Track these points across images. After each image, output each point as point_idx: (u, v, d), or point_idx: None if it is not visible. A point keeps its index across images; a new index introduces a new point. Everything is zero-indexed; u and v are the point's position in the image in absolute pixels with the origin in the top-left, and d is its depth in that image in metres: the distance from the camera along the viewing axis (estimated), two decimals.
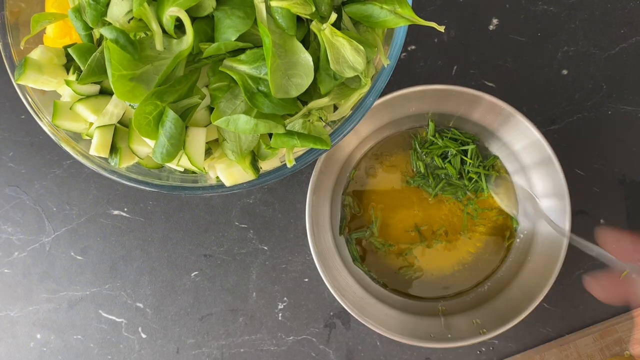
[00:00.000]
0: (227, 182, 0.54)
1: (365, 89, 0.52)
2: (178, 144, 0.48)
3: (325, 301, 0.71)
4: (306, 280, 0.72)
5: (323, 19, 0.49)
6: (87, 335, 0.72)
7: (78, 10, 0.50)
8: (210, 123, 0.51)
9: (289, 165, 0.52)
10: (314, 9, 0.47)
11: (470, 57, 0.71)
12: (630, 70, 0.71)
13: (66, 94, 0.54)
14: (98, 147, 0.52)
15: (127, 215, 0.73)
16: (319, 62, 0.49)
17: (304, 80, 0.48)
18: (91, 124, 0.53)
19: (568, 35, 0.72)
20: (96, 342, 0.72)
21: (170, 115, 0.47)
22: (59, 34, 0.55)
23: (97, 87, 0.53)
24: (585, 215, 0.71)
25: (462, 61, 0.72)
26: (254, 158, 0.53)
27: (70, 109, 0.52)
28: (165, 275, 0.73)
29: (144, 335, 0.72)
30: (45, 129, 0.56)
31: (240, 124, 0.47)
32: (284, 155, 0.55)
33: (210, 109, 0.52)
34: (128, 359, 0.72)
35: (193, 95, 0.50)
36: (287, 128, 0.50)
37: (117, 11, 0.48)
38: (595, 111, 0.71)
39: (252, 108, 0.49)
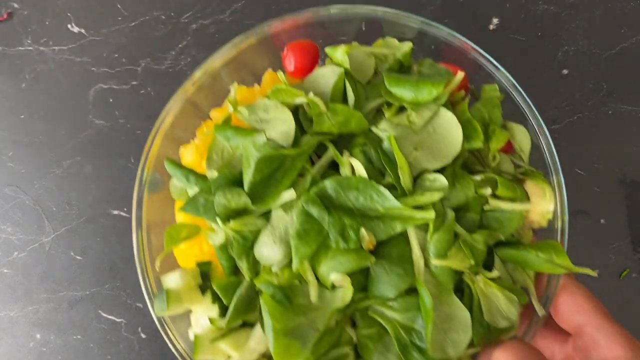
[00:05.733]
0: None
1: (512, 333, 0.49)
2: None
3: None
4: None
5: (477, 267, 0.48)
6: (87, 335, 0.72)
7: (224, 246, 0.49)
8: None
9: None
10: (473, 262, 0.46)
11: None
12: (631, 70, 0.71)
13: (202, 322, 0.52)
14: None
15: (127, 215, 0.73)
16: (472, 312, 0.47)
17: (462, 337, 0.45)
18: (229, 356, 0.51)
19: (568, 35, 0.72)
20: (96, 342, 0.72)
21: None
22: (189, 243, 0.53)
23: (239, 321, 0.51)
24: (585, 215, 0.71)
25: None
26: None
27: (211, 342, 0.50)
28: None
29: (143, 336, 0.72)
30: (172, 346, 0.53)
31: None
32: None
33: (355, 348, 0.49)
34: (128, 359, 0.72)
35: (341, 341, 0.47)
36: None
37: (268, 254, 0.47)
38: (596, 111, 0.71)
39: None
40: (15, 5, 0.76)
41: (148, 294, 0.52)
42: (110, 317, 0.72)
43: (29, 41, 0.76)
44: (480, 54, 0.54)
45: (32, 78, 0.75)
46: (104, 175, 0.73)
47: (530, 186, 0.51)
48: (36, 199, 0.73)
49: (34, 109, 0.75)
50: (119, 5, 0.76)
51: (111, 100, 0.75)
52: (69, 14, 0.76)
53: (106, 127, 0.74)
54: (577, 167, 0.71)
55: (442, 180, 0.46)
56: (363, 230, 0.44)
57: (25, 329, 0.72)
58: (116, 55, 0.75)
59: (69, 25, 0.76)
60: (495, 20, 0.72)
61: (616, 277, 0.70)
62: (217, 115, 0.56)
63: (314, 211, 0.45)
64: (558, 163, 0.52)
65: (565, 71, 0.72)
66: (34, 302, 0.73)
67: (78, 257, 0.73)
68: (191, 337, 0.51)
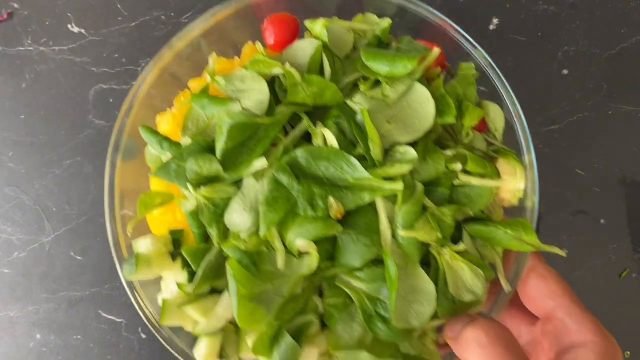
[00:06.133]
0: None
1: (479, 308, 0.50)
2: None
3: None
4: None
5: (444, 240, 0.48)
6: (86, 335, 0.72)
7: (195, 212, 0.49)
8: (320, 332, 0.50)
9: None
10: (440, 235, 0.46)
11: None
12: (631, 69, 0.71)
13: (171, 288, 0.52)
14: (207, 356, 0.50)
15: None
16: (437, 285, 0.47)
17: (426, 308, 0.45)
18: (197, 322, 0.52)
19: (568, 35, 0.72)
20: (96, 342, 0.72)
21: (287, 341, 0.45)
22: (162, 210, 0.53)
23: (207, 287, 0.51)
24: (585, 215, 0.71)
25: None
26: None
27: (179, 307, 0.50)
28: None
29: (143, 336, 0.72)
30: (140, 311, 0.52)
31: None
32: None
33: (321, 317, 0.50)
34: (128, 359, 0.72)
35: (307, 309, 0.48)
36: (401, 350, 0.48)
37: (238, 221, 0.47)
38: (596, 111, 0.71)
39: (369, 332, 0.47)
40: (15, 5, 0.76)
41: (119, 259, 0.52)
42: (110, 317, 0.72)
43: (29, 41, 0.76)
44: (459, 32, 0.54)
45: (32, 78, 0.75)
46: (104, 175, 0.73)
47: (502, 164, 0.52)
48: (36, 199, 0.73)
49: (34, 109, 0.75)
50: (119, 5, 0.76)
51: (111, 100, 0.75)
52: (69, 14, 0.76)
53: (106, 127, 0.74)
54: (577, 167, 0.71)
55: (411, 152, 0.46)
56: (331, 199, 0.45)
57: (25, 329, 0.72)
58: (116, 55, 0.75)
59: (69, 25, 0.76)
60: (495, 20, 0.72)
61: (616, 277, 0.70)
62: (195, 85, 0.56)
63: (284, 179, 0.45)
64: (531, 142, 0.52)
65: (565, 71, 0.72)
66: (34, 302, 0.73)
67: (78, 257, 0.73)
68: (160, 303, 0.51)
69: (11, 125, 0.74)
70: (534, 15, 0.72)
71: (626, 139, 0.71)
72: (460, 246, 0.47)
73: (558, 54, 0.72)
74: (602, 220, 0.71)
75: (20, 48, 0.76)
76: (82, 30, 0.76)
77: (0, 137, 0.74)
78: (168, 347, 0.52)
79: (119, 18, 0.76)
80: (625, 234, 0.71)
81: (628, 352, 0.70)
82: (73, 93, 0.75)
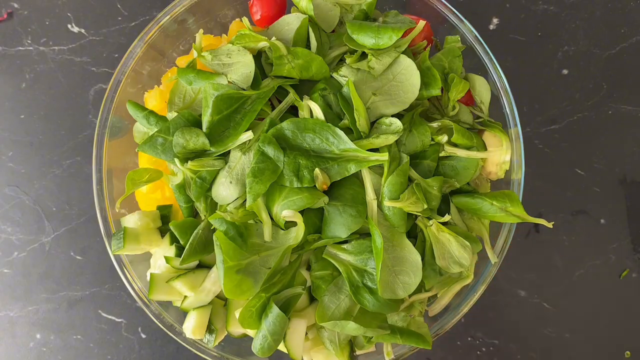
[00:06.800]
0: None
1: (467, 281, 0.51)
2: (279, 339, 0.46)
3: None
4: None
5: (430, 212, 0.49)
6: (87, 335, 0.72)
7: (182, 187, 0.50)
8: (308, 305, 0.50)
9: (387, 359, 0.50)
10: (426, 206, 0.47)
11: None
12: (631, 70, 0.71)
13: (159, 264, 0.52)
14: (195, 329, 0.51)
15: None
16: (424, 257, 0.48)
17: (412, 279, 0.46)
18: (186, 296, 0.52)
19: (568, 35, 0.72)
20: (96, 342, 0.72)
21: (275, 312, 0.45)
22: (151, 188, 0.53)
23: (195, 262, 0.51)
24: (585, 215, 0.71)
25: None
26: (352, 348, 0.51)
27: (167, 282, 0.50)
28: None
29: (143, 336, 0.72)
30: (129, 286, 0.53)
31: (348, 330, 0.45)
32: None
33: (309, 290, 0.51)
34: (128, 359, 0.72)
35: (295, 282, 0.48)
36: (388, 322, 0.49)
37: (225, 194, 0.47)
38: (596, 111, 0.71)
39: (356, 303, 0.47)
40: (15, 5, 0.76)
41: (107, 235, 0.52)
42: (110, 317, 0.72)
43: (29, 41, 0.76)
44: (445, 5, 0.54)
45: (32, 78, 0.75)
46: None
47: (488, 137, 0.52)
48: (36, 199, 0.73)
49: (34, 109, 0.75)
50: (119, 5, 0.76)
51: None
52: (69, 14, 0.76)
53: None
54: (577, 167, 0.71)
55: (397, 123, 0.47)
56: (317, 170, 0.45)
57: (25, 329, 0.72)
58: (116, 55, 0.75)
59: (69, 25, 0.76)
60: (495, 20, 0.72)
61: (616, 277, 0.70)
62: (183, 62, 0.56)
63: (270, 150, 0.45)
64: (517, 115, 0.52)
65: (565, 71, 0.72)
66: (34, 302, 0.73)
67: (78, 257, 0.73)
68: (149, 278, 0.51)
69: (11, 125, 0.74)
70: (534, 15, 0.72)
71: (626, 139, 0.71)
72: (446, 217, 0.48)
73: (558, 54, 0.72)
74: (602, 220, 0.71)
75: (20, 48, 0.76)
76: (82, 30, 0.76)
77: (0, 137, 0.74)
78: (157, 322, 0.52)
79: (119, 18, 0.76)
80: (625, 234, 0.71)
81: (628, 352, 0.70)
82: (73, 93, 0.75)
